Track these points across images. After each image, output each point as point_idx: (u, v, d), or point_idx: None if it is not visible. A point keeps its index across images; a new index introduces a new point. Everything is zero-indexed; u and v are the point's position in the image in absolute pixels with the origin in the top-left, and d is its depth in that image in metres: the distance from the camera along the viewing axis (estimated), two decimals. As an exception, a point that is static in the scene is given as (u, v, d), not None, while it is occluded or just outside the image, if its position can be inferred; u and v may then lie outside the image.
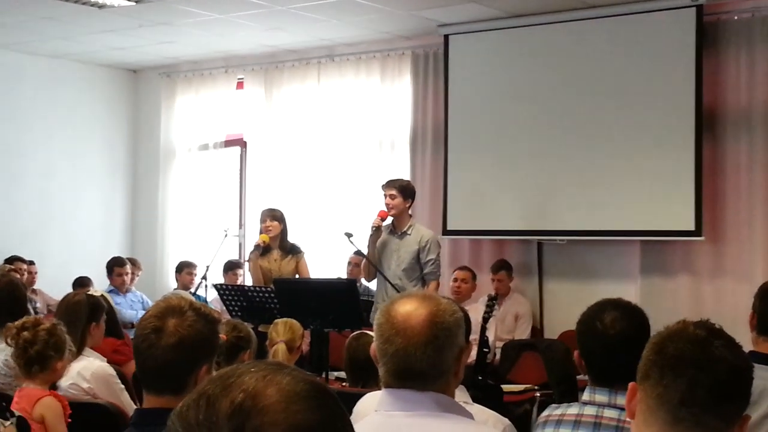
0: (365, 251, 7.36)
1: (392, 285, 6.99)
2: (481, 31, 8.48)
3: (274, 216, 7.67)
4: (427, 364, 2.31)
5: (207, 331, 2.61)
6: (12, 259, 9.08)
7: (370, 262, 7.30)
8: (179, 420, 1.21)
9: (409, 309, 2.34)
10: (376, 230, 7.30)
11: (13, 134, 9.89)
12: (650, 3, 7.72)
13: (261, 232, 7.66)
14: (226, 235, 8.06)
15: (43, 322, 4.19)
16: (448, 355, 2.34)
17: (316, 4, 7.90)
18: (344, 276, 8.69)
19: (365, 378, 4.56)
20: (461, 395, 2.96)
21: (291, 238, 7.78)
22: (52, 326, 4.15)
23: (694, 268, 7.76)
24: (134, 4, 7.96)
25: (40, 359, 4.04)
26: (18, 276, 7.71)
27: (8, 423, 3.39)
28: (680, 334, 1.99)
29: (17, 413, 3.56)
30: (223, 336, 4.62)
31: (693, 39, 7.58)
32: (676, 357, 1.96)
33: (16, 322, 4.14)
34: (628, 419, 2.49)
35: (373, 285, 7.66)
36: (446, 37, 8.65)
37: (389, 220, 7.37)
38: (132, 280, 9.29)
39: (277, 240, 7.62)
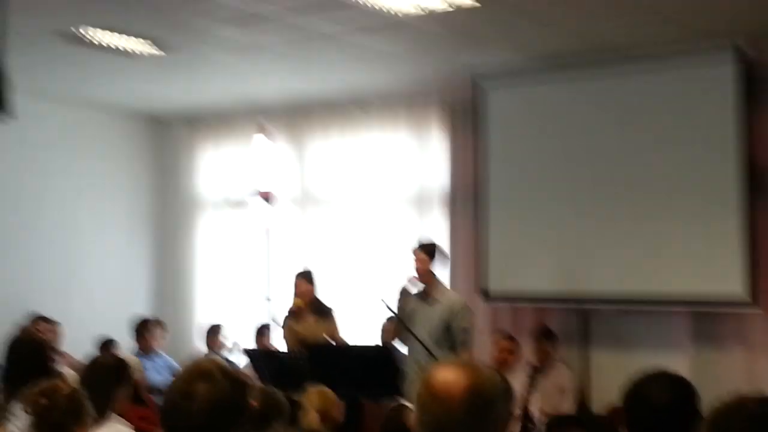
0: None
1: (426, 348, 6.69)
2: (516, 84, 8.21)
3: (306, 278, 7.54)
4: None
5: (238, 396, 2.57)
6: (37, 320, 8.84)
7: (403, 325, 7.03)
8: None
9: (450, 378, 2.27)
10: (405, 294, 7.11)
11: (37, 185, 9.69)
12: (695, 57, 7.42)
13: (294, 296, 7.53)
14: (269, 300, 7.91)
15: (61, 387, 3.97)
16: (489, 428, 2.27)
17: (345, 54, 7.69)
18: (376, 341, 8.41)
19: None
20: None
21: (321, 298, 7.69)
22: (72, 391, 3.96)
23: (749, 340, 7.42)
24: (163, 54, 7.79)
25: (58, 427, 3.82)
26: (42, 336, 7.51)
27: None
28: (740, 411, 1.89)
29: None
30: (253, 402, 4.46)
31: (742, 93, 7.28)
32: None
33: (34, 388, 3.92)
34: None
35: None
36: (480, 87, 8.38)
37: (420, 286, 7.13)
38: (159, 343, 9.05)
39: (310, 303, 7.46)
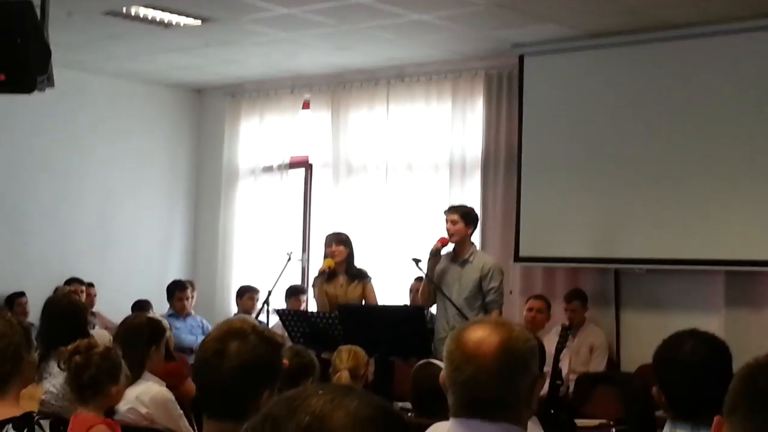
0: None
1: (458, 309, 6.70)
2: (557, 51, 8.20)
3: (339, 240, 7.49)
4: (499, 393, 2.23)
5: (270, 355, 2.56)
6: (71, 281, 9.01)
7: (435, 285, 7.02)
8: None
9: (481, 336, 2.26)
10: (435, 255, 7.08)
11: (75, 154, 9.82)
12: (740, 23, 7.34)
13: (326, 257, 7.46)
14: (289, 259, 7.83)
15: (96, 345, 4.04)
16: (520, 385, 2.26)
17: (386, 24, 7.69)
18: (407, 303, 8.42)
19: (432, 409, 4.42)
20: (534, 428, 2.94)
21: (356, 263, 7.57)
22: (106, 350, 4.01)
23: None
24: (200, 23, 7.82)
25: (93, 384, 3.89)
26: (78, 297, 7.63)
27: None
28: None
29: (72, 439, 3.38)
30: (285, 362, 4.51)
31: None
32: (766, 390, 1.78)
33: (69, 346, 4.00)
34: (710, 454, 2.36)
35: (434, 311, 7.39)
36: (521, 57, 8.38)
37: (450, 246, 7.10)
38: (190, 303, 9.14)
39: (343, 265, 7.43)
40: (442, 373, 2.35)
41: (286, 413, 1.18)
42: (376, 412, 1.19)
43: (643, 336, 7.46)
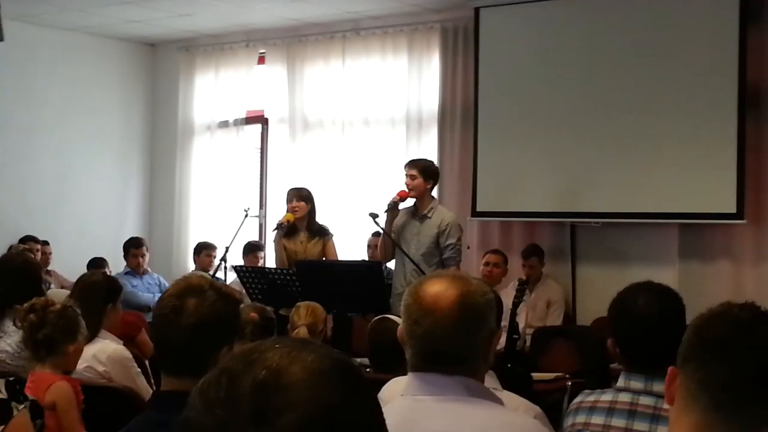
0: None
1: (415, 264, 6.68)
2: (513, 4, 8.16)
3: (300, 195, 7.37)
4: (457, 346, 2.23)
5: (228, 311, 2.54)
6: (26, 239, 8.92)
7: (392, 240, 6.99)
8: (200, 397, 1.19)
9: (439, 289, 2.26)
10: (393, 208, 7.00)
11: (27, 110, 9.63)
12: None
13: (287, 212, 7.38)
14: (246, 215, 7.77)
15: (53, 303, 3.99)
16: (478, 338, 2.27)
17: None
18: (366, 259, 8.40)
19: (389, 364, 4.47)
20: (491, 381, 2.86)
21: (318, 219, 7.51)
22: (63, 308, 3.97)
23: (736, 252, 7.49)
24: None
25: (49, 343, 3.87)
26: (32, 256, 7.54)
27: (21, 407, 3.19)
28: (724, 316, 1.88)
29: (31, 397, 3.36)
30: (254, 315, 4.51)
31: (737, 13, 7.27)
32: (719, 340, 1.84)
33: (25, 304, 3.96)
34: (664, 407, 2.54)
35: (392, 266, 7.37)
36: (477, 10, 8.33)
37: (411, 201, 7.06)
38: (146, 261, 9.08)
39: (304, 221, 7.34)
40: (400, 328, 2.34)
41: (242, 367, 1.18)
42: (333, 366, 1.19)
43: (599, 289, 7.47)
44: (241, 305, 2.64)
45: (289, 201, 7.38)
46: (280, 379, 1.16)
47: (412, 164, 7.07)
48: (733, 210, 7.26)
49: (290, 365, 1.17)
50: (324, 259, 7.32)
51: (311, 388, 1.15)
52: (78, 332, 3.95)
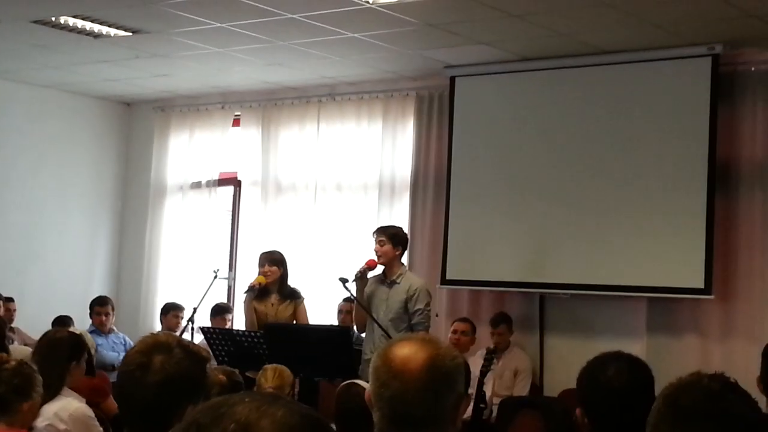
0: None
1: (384, 331, 6.67)
2: (489, 74, 8.27)
3: (272, 260, 7.42)
4: (425, 409, 2.20)
5: (195, 369, 2.48)
6: (-9, 296, 8.77)
7: (362, 306, 7.00)
8: None
9: (408, 352, 2.24)
10: (361, 277, 7.02)
11: (-1, 163, 9.60)
12: (664, 51, 7.49)
13: (258, 275, 7.38)
14: (215, 277, 7.72)
15: (7, 360, 3.93)
16: (447, 402, 2.25)
17: (319, 41, 7.67)
18: (336, 323, 8.36)
19: (356, 429, 4.34)
20: None
21: (290, 283, 7.51)
22: (18, 365, 3.91)
23: (703, 327, 7.51)
24: (131, 34, 7.73)
25: (1, 402, 3.81)
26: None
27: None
28: (694, 386, 1.89)
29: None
30: (222, 377, 4.45)
31: (708, 89, 7.39)
32: (689, 409, 1.85)
33: (-20, 361, 3.89)
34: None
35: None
36: (453, 78, 8.42)
37: (380, 269, 7.07)
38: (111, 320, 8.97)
39: (276, 284, 7.37)
40: (368, 390, 2.31)
41: (211, 420, 1.17)
42: (302, 421, 1.19)
43: (567, 361, 7.51)
44: (209, 364, 2.59)
45: (261, 265, 7.40)
46: None
47: (381, 231, 7.11)
48: (701, 285, 7.29)
49: (259, 419, 1.16)
50: (295, 322, 7.31)
51: None
52: (33, 390, 3.90)
